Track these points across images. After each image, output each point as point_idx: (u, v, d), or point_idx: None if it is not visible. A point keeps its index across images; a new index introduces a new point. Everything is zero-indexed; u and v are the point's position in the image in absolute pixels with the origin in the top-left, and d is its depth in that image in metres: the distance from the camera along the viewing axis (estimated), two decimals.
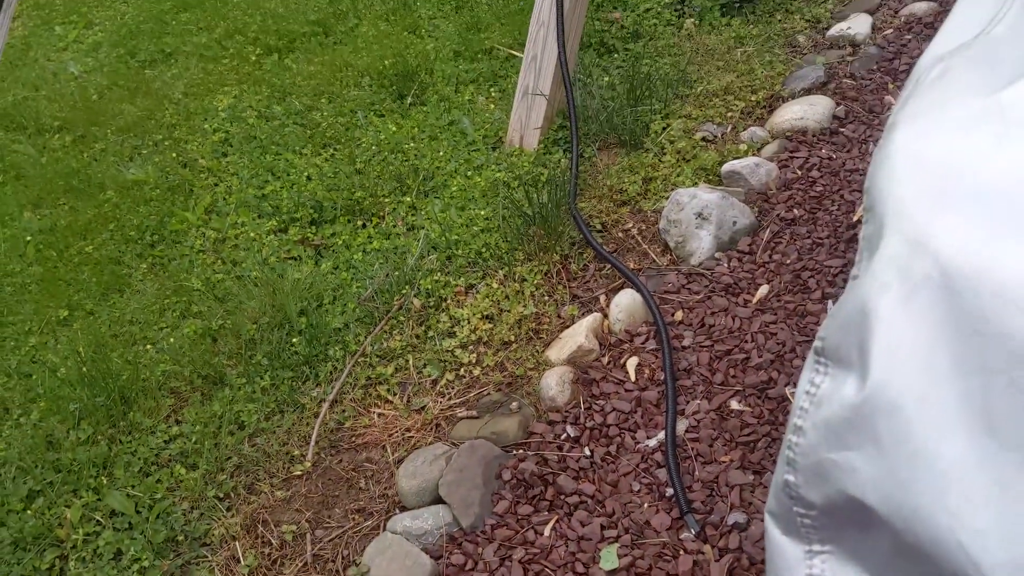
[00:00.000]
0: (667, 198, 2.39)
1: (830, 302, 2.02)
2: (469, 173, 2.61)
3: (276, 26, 3.34)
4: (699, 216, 2.22)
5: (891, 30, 2.82)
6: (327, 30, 3.34)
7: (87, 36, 3.51)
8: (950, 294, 0.54)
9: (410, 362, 2.07)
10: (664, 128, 2.62)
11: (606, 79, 2.82)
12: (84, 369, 2.02)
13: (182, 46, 3.31)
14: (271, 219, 2.56)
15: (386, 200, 2.59)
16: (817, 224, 2.24)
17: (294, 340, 2.09)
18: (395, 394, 2.01)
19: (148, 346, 2.16)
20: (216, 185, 2.71)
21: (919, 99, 0.63)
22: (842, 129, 2.51)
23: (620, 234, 2.37)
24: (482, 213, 2.46)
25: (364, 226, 2.52)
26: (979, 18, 0.71)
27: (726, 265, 2.18)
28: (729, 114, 2.66)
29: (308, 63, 3.18)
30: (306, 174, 2.72)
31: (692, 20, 3.00)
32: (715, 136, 2.59)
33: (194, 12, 3.48)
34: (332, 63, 3.15)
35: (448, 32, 3.23)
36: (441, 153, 2.71)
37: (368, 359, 2.08)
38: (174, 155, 2.82)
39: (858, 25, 2.82)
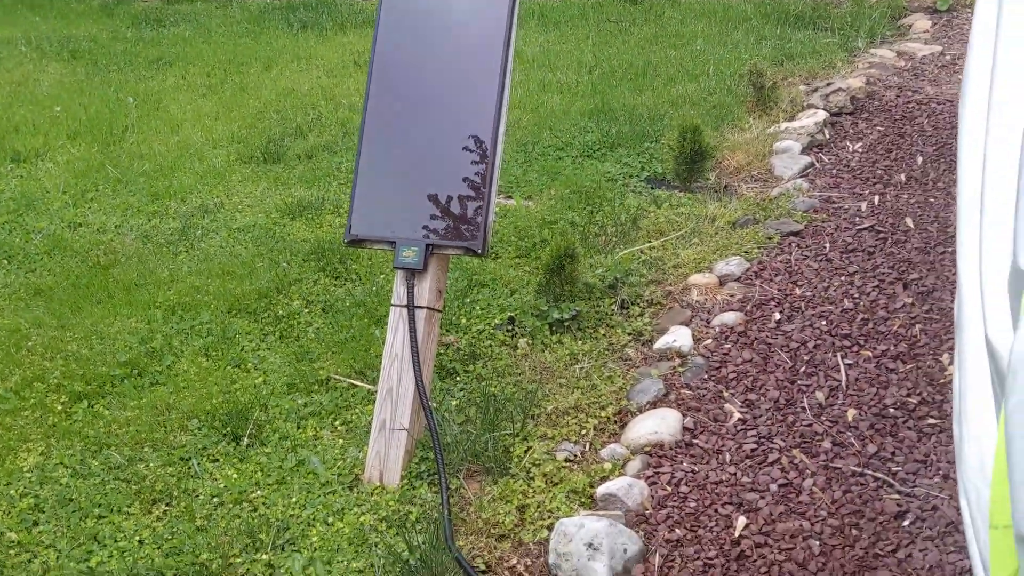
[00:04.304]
0: (547, 527, 2.33)
1: None
2: (330, 519, 2.43)
3: (82, 370, 3.10)
4: (590, 547, 2.17)
5: (710, 340, 3.04)
6: (141, 370, 3.13)
7: None
8: None
9: None
10: (526, 451, 2.60)
11: (454, 402, 2.81)
12: None
13: None
14: None
15: (238, 560, 2.34)
16: (702, 543, 2.24)
17: None
18: None
19: None
20: (30, 562, 2.35)
21: None
22: (695, 440, 2.60)
23: (506, 573, 2.25)
24: (354, 566, 2.27)
25: None
26: None
27: None
28: (583, 431, 2.69)
29: (123, 408, 2.94)
30: (138, 538, 2.43)
31: (525, 340, 3.10)
32: (575, 455, 2.60)
33: None
34: (152, 407, 2.92)
35: (276, 364, 3.13)
36: (294, 499, 2.52)
37: None
38: None
39: (681, 337, 3.01)
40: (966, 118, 1.38)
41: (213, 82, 6.41)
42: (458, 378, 2.96)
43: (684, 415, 2.69)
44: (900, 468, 2.38)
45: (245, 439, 2.78)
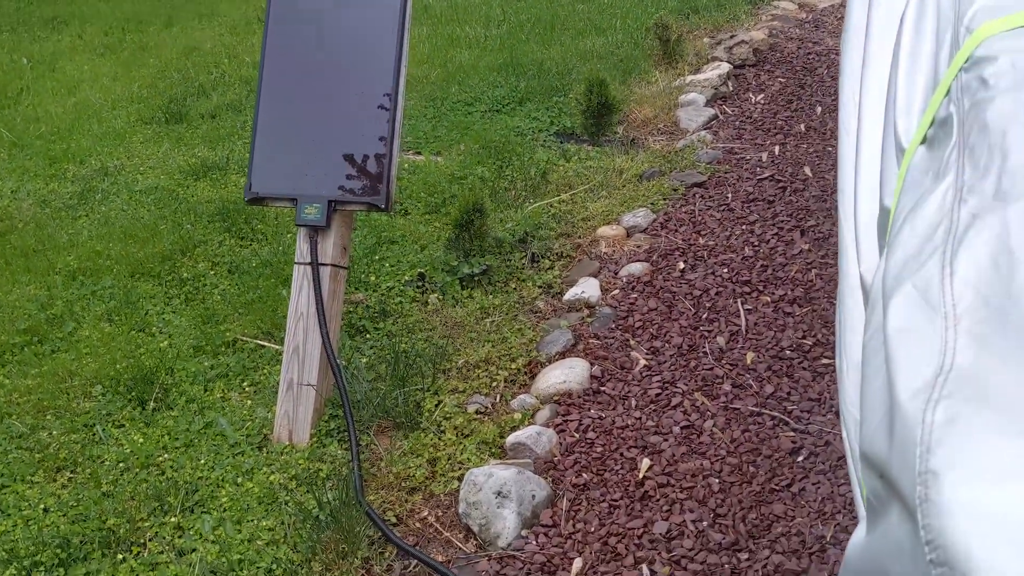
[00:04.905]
0: (457, 478, 2.36)
1: (644, 567, 2.05)
2: (239, 480, 2.42)
3: None
4: (499, 495, 2.21)
5: (617, 290, 3.09)
6: (42, 338, 3.05)
7: None
8: None
9: None
10: (437, 405, 2.62)
11: (363, 360, 2.81)
12: None
13: None
14: (8, 567, 2.19)
15: (146, 524, 2.32)
16: (608, 486, 2.30)
17: None
18: None
19: None
20: None
21: (947, 447, 0.65)
22: (603, 388, 2.65)
23: (417, 524, 2.28)
24: (264, 524, 2.27)
25: (124, 560, 2.23)
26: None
27: (535, 543, 2.16)
28: (494, 384, 2.73)
29: (24, 377, 2.86)
30: (42, 506, 2.38)
31: (436, 295, 3.11)
32: (486, 407, 2.63)
33: None
34: (54, 374, 2.86)
35: (182, 327, 3.08)
36: (202, 461, 2.50)
37: None
38: None
39: (590, 289, 3.06)
40: (845, 67, 1.43)
41: (111, 41, 6.21)
42: (368, 336, 2.96)
43: (592, 364, 2.74)
44: (795, 407, 2.47)
45: (151, 403, 2.74)
